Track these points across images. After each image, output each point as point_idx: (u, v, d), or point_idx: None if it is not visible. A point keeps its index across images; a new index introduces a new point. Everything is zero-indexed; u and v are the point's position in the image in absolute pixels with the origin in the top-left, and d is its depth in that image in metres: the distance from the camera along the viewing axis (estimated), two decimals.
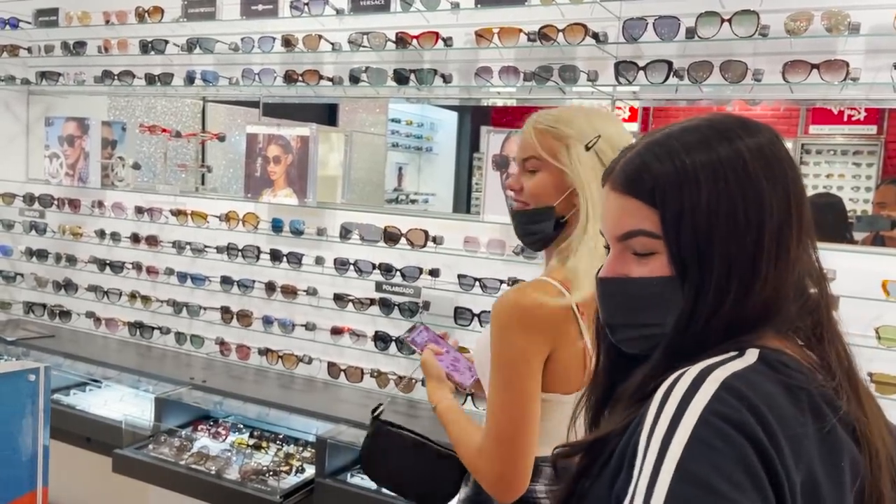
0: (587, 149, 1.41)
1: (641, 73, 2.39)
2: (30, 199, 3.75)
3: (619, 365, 0.92)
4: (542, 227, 1.47)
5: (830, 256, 0.89)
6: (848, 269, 1.90)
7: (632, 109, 6.15)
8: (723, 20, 2.23)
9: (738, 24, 2.22)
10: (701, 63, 2.32)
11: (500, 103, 3.22)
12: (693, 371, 0.75)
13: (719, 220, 0.79)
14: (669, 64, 2.35)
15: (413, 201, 6.75)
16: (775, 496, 0.68)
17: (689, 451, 0.68)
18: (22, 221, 3.78)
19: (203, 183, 3.78)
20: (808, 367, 0.80)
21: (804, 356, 0.81)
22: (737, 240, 0.79)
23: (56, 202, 3.68)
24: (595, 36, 2.46)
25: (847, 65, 2.15)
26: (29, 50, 3.74)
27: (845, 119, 6.33)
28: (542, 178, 1.46)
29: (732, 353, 0.77)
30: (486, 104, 3.35)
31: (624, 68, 2.43)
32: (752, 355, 0.77)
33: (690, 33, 2.29)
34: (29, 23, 3.67)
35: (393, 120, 6.42)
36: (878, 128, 6.27)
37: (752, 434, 0.69)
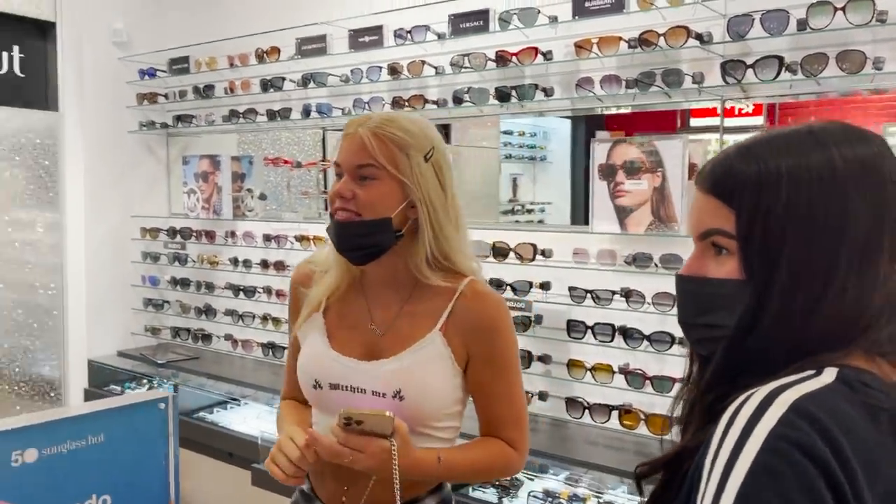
0: (426, 160, 1.36)
1: (750, 70, 2.30)
2: (172, 232, 4.09)
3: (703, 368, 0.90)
4: (378, 240, 1.35)
5: None
6: None
7: (756, 104, 5.85)
8: (836, 9, 2.11)
9: (853, 12, 2.10)
10: (815, 55, 2.20)
11: (598, 111, 3.19)
12: (762, 392, 0.72)
13: (794, 224, 0.76)
14: (780, 59, 2.25)
15: (529, 211, 6.73)
16: None
17: (752, 477, 0.66)
18: (167, 253, 4.12)
19: (325, 209, 3.97)
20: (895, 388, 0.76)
21: (891, 378, 0.77)
22: (810, 247, 0.76)
23: (195, 234, 3.99)
24: (699, 37, 2.39)
25: None
26: (166, 96, 4.08)
27: None
28: (380, 188, 1.35)
29: (809, 373, 0.74)
30: (598, 112, 3.32)
31: (731, 67, 2.35)
32: (829, 374, 0.74)
33: (801, 25, 2.19)
34: (164, 71, 4.02)
35: (505, 132, 6.44)
36: None
37: (821, 459, 0.66)
